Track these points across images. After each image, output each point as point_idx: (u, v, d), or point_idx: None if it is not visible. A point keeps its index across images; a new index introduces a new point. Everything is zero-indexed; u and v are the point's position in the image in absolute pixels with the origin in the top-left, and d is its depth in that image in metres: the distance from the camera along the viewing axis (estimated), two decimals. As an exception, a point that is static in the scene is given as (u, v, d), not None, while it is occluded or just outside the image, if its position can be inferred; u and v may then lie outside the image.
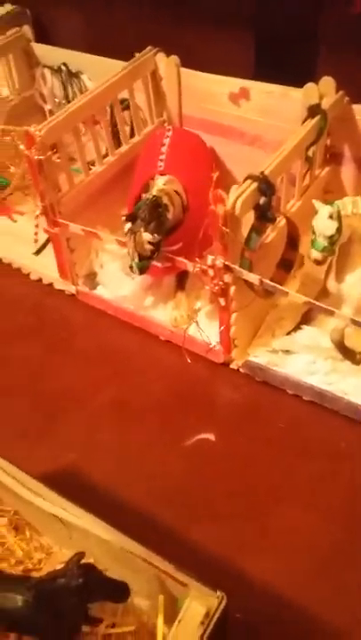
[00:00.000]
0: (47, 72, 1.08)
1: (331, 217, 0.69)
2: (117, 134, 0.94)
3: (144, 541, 0.54)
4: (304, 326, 0.80)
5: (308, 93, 0.80)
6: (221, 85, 0.90)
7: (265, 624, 0.60)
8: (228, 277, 0.72)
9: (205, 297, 0.86)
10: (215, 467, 0.73)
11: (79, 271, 0.93)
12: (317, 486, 0.70)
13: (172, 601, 0.54)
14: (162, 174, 0.80)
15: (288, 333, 0.81)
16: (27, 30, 1.08)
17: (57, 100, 1.09)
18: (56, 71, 1.07)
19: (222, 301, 0.75)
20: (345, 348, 0.77)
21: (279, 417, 0.77)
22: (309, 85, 0.80)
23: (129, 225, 0.74)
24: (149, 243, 0.73)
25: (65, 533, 0.61)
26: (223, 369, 0.82)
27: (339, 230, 0.70)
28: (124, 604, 0.57)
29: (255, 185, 0.69)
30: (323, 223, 0.70)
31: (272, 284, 0.71)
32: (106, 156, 0.93)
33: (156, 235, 0.73)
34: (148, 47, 0.93)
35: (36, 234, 0.93)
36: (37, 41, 1.09)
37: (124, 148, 0.94)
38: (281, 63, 0.93)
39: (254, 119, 0.89)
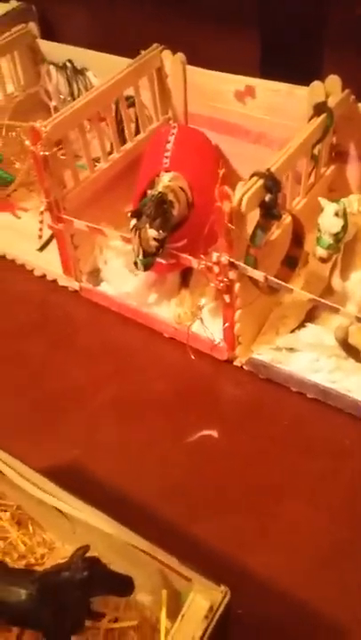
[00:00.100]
0: (52, 69, 1.08)
1: (337, 214, 0.69)
2: (122, 131, 0.94)
3: (146, 537, 0.54)
4: (308, 324, 0.80)
5: (315, 91, 0.80)
6: (227, 83, 0.90)
7: (266, 621, 0.60)
8: (232, 274, 0.72)
9: (209, 294, 0.86)
10: (218, 463, 0.73)
11: (83, 267, 0.93)
12: (321, 484, 0.70)
13: (175, 595, 0.54)
14: (167, 171, 0.80)
15: (292, 331, 0.81)
16: (32, 27, 1.08)
17: (62, 96, 1.10)
18: (61, 68, 1.07)
19: (227, 298, 0.75)
20: (349, 346, 0.76)
21: (283, 414, 0.77)
22: (316, 83, 0.80)
23: (134, 221, 0.74)
24: (154, 239, 0.73)
25: (68, 528, 0.61)
26: (227, 366, 0.82)
27: (344, 228, 0.70)
28: (127, 598, 0.57)
29: (261, 182, 0.69)
30: (328, 221, 0.70)
31: (277, 281, 0.71)
32: (111, 152, 0.93)
33: (161, 231, 0.73)
34: (154, 44, 0.93)
35: (40, 230, 0.93)
36: (43, 37, 1.09)
37: (129, 145, 0.94)
38: (286, 61, 0.93)
39: (260, 117, 0.89)
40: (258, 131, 0.89)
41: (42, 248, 0.97)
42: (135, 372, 0.84)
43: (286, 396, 0.78)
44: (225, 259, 0.71)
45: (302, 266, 0.81)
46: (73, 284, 0.94)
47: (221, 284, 0.74)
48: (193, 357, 0.82)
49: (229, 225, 0.68)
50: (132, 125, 0.95)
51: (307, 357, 0.78)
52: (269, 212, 0.70)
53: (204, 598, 0.49)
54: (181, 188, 0.78)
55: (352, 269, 0.75)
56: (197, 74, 0.92)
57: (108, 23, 1.09)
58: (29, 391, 0.83)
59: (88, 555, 0.52)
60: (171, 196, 0.75)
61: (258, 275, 0.71)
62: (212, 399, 0.80)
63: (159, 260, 0.78)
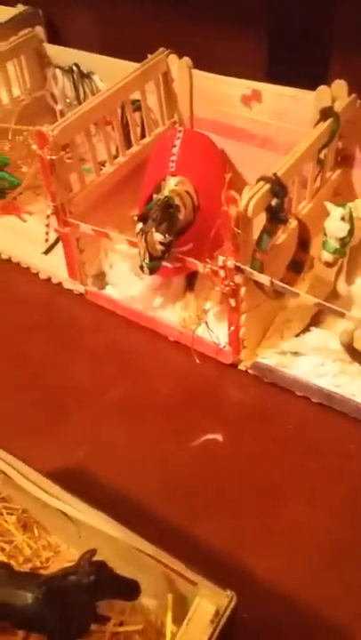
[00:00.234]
0: (59, 72, 1.08)
1: (343, 219, 0.69)
2: (128, 135, 0.94)
3: (149, 539, 0.54)
4: (313, 328, 0.80)
5: (321, 96, 0.81)
6: (233, 87, 0.90)
7: (271, 624, 0.60)
8: (238, 278, 0.73)
9: (214, 298, 0.86)
10: (222, 467, 0.73)
11: (88, 271, 0.93)
12: (325, 487, 0.70)
13: (181, 600, 0.54)
14: (173, 175, 0.80)
15: (297, 335, 0.81)
16: (39, 31, 1.09)
17: (68, 100, 1.10)
18: (67, 72, 1.07)
19: (232, 302, 0.75)
20: (354, 351, 0.76)
21: (287, 418, 0.77)
22: (322, 88, 0.81)
23: (140, 225, 0.75)
24: (160, 243, 0.74)
25: (73, 532, 0.61)
26: (232, 370, 0.82)
27: (350, 232, 0.70)
28: (132, 602, 0.57)
29: (268, 186, 0.69)
30: (335, 225, 0.70)
31: (283, 285, 0.71)
32: (116, 156, 0.93)
33: (167, 235, 0.73)
34: (161, 49, 0.93)
35: (47, 233, 0.93)
36: (49, 41, 1.10)
37: (134, 148, 0.94)
38: (293, 65, 0.93)
39: (265, 121, 0.89)
40: (263, 135, 0.90)
41: (47, 251, 0.97)
42: (140, 374, 0.84)
43: (291, 400, 0.78)
44: (231, 263, 0.71)
45: (308, 270, 0.81)
46: (78, 288, 0.94)
47: (227, 288, 0.74)
48: (198, 361, 0.82)
49: (236, 229, 0.69)
50: (138, 129, 0.96)
51: (311, 361, 0.78)
52: (276, 217, 0.70)
53: (210, 603, 0.49)
54: (187, 192, 0.78)
55: (358, 274, 0.75)
56: (204, 78, 0.93)
57: (114, 27, 1.09)
58: (34, 393, 0.83)
59: (94, 559, 0.52)
60: (177, 200, 0.75)
61: (264, 279, 0.71)
62: (217, 403, 0.80)
63: (165, 263, 0.78)
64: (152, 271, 0.77)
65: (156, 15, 1.02)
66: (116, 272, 0.92)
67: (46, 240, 0.94)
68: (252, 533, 0.67)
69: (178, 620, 0.53)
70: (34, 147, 0.83)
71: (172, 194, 0.75)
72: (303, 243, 0.76)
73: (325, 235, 0.71)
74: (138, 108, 0.94)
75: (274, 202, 0.70)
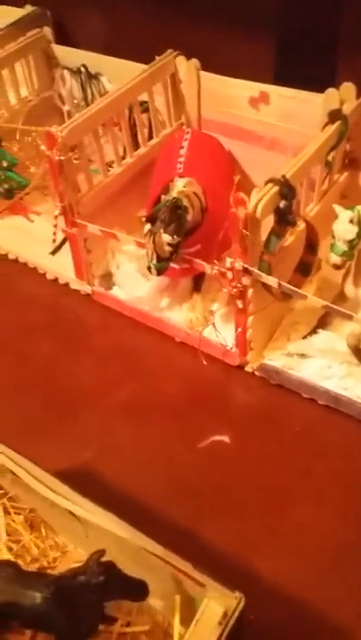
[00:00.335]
0: (66, 73, 1.09)
1: (351, 221, 0.69)
2: (136, 136, 0.94)
3: (156, 541, 0.54)
4: (320, 330, 0.80)
5: (329, 99, 0.81)
6: (241, 89, 0.90)
7: (278, 626, 0.60)
8: (246, 280, 0.73)
9: (221, 299, 0.87)
10: (229, 468, 0.73)
11: (95, 271, 0.94)
12: (331, 489, 0.70)
13: (188, 601, 0.54)
14: (181, 176, 0.80)
15: (304, 337, 0.81)
16: (47, 32, 1.09)
17: (75, 101, 1.10)
18: (75, 72, 1.08)
19: (240, 304, 0.75)
20: (361, 353, 0.77)
21: (294, 420, 0.77)
22: (330, 91, 0.81)
23: (148, 226, 0.75)
24: (168, 244, 0.74)
25: (80, 532, 0.61)
26: (238, 371, 0.82)
27: (359, 235, 0.70)
28: (140, 603, 0.57)
29: (276, 188, 0.69)
30: (343, 227, 0.70)
31: (290, 287, 0.71)
32: (124, 157, 0.93)
33: (175, 236, 0.73)
34: (169, 50, 0.94)
35: (54, 234, 0.93)
36: (57, 42, 1.10)
37: (142, 150, 0.95)
38: (301, 68, 0.93)
39: (273, 123, 0.89)
40: (271, 137, 0.90)
41: (54, 252, 0.98)
42: (146, 375, 0.84)
43: (297, 403, 0.78)
44: (239, 264, 0.71)
45: (315, 272, 0.81)
46: (85, 288, 0.94)
47: (235, 290, 0.74)
48: (205, 362, 0.82)
49: (244, 231, 0.69)
50: (146, 131, 0.96)
51: (318, 364, 0.78)
52: (284, 219, 0.70)
53: (218, 604, 0.49)
54: (195, 194, 0.78)
55: (365, 276, 0.75)
56: (211, 80, 0.93)
57: (122, 28, 1.09)
58: (41, 393, 0.83)
59: (103, 559, 0.52)
60: (185, 202, 0.75)
61: (271, 281, 0.71)
62: (223, 404, 0.80)
63: (172, 264, 0.78)
64: (160, 272, 0.77)
65: (164, 17, 1.03)
66: (123, 273, 0.93)
67: (54, 240, 0.95)
68: (257, 535, 0.67)
69: (185, 622, 0.53)
70: (42, 147, 0.83)
71: (181, 195, 0.75)
72: (311, 245, 0.76)
73: (333, 237, 0.71)
74: (146, 110, 0.94)
75: (282, 204, 0.70)
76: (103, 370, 0.85)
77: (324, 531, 0.66)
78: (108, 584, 0.50)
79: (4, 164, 0.99)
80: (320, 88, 0.83)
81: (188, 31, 0.99)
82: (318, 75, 0.88)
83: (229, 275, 0.73)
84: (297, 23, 0.93)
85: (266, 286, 0.73)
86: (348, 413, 0.76)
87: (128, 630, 0.58)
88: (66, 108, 1.11)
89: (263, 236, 0.72)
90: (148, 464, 0.74)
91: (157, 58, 0.93)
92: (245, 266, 0.71)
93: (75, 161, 0.85)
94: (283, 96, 0.87)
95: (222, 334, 0.81)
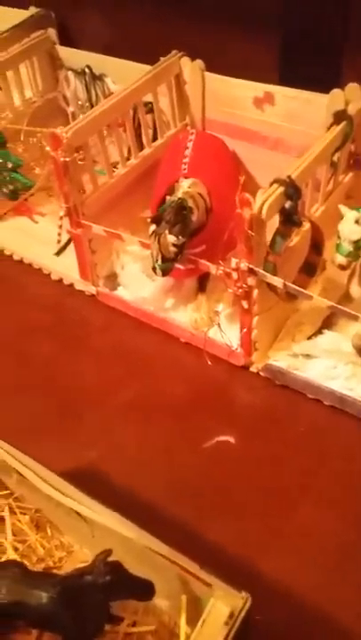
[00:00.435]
0: (71, 75, 1.09)
1: (357, 222, 0.69)
2: (140, 137, 0.94)
3: (161, 541, 0.54)
4: (325, 331, 0.80)
5: (334, 99, 0.81)
6: (246, 90, 0.90)
7: (284, 626, 0.60)
8: (251, 280, 0.73)
9: (226, 300, 0.87)
10: (233, 469, 0.73)
11: (100, 272, 0.94)
12: (335, 490, 0.70)
13: (194, 601, 0.54)
14: (186, 177, 0.80)
15: (309, 338, 0.81)
16: (51, 33, 1.09)
17: (80, 102, 1.10)
18: (80, 74, 1.08)
19: (245, 304, 0.75)
20: (366, 354, 0.77)
21: (299, 421, 0.77)
22: (336, 91, 0.81)
23: (153, 227, 0.75)
24: (173, 245, 0.74)
25: (86, 532, 0.61)
26: (243, 372, 0.82)
27: (364, 235, 0.70)
28: (146, 603, 0.57)
29: (282, 189, 0.69)
30: (349, 228, 0.70)
31: (296, 287, 0.71)
32: (128, 158, 0.93)
33: (180, 237, 0.74)
34: (173, 51, 0.94)
35: (59, 234, 0.94)
36: (62, 44, 1.10)
37: (146, 150, 0.95)
38: (306, 68, 0.93)
39: (277, 124, 0.89)
40: (276, 137, 0.90)
41: (59, 252, 0.98)
42: (151, 376, 0.84)
43: (302, 403, 0.78)
44: (244, 265, 0.71)
45: (320, 273, 0.81)
46: (90, 289, 0.95)
47: (240, 290, 0.74)
48: (209, 363, 0.82)
49: (249, 231, 0.69)
50: (150, 131, 0.96)
51: (323, 364, 0.78)
52: (289, 219, 0.70)
53: (224, 604, 0.49)
54: (200, 195, 0.78)
55: (371, 277, 0.75)
56: (216, 80, 0.93)
57: (126, 30, 1.09)
58: (46, 394, 0.83)
59: (109, 559, 0.52)
60: (190, 202, 0.75)
61: (277, 281, 0.71)
62: (228, 405, 0.80)
63: (177, 265, 0.78)
64: (165, 273, 0.77)
65: (168, 18, 1.03)
66: (127, 273, 0.93)
67: (58, 241, 0.95)
68: (261, 535, 0.67)
69: (191, 622, 0.53)
70: (47, 148, 0.83)
71: (186, 196, 0.75)
72: (316, 245, 0.76)
73: (339, 237, 0.71)
74: (150, 111, 0.95)
75: (288, 204, 0.70)
76: (108, 370, 0.85)
77: (328, 531, 0.66)
78: (114, 584, 0.50)
79: (9, 165, 0.99)
80: (325, 89, 0.83)
81: (192, 32, 0.99)
82: (323, 75, 0.88)
83: (235, 275, 0.73)
84: (301, 23, 0.93)
85: (271, 287, 0.73)
86: (354, 414, 0.75)
87: (134, 630, 0.58)
88: (70, 109, 1.12)
89: (268, 237, 0.72)
90: (153, 464, 0.74)
91: (162, 59, 0.93)
92: (251, 266, 0.71)
93: (79, 162, 0.85)
94: (288, 96, 0.87)
95: (227, 335, 0.81)
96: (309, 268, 0.77)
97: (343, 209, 0.71)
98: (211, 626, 0.48)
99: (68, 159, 0.81)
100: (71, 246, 0.94)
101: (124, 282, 0.93)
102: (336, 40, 0.90)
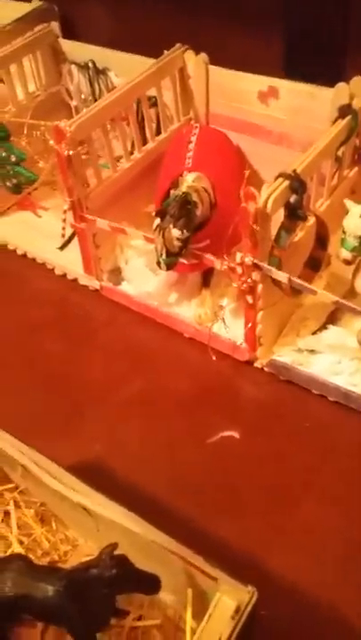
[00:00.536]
0: (74, 68, 1.08)
1: (362, 216, 0.69)
2: (144, 131, 0.94)
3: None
4: (330, 326, 0.80)
5: (339, 93, 0.80)
6: (250, 84, 0.90)
7: (290, 621, 0.60)
8: (256, 275, 0.73)
9: (230, 295, 0.86)
10: (237, 464, 0.73)
11: (104, 267, 0.94)
12: (342, 485, 0.70)
13: (200, 595, 0.54)
14: (190, 171, 0.80)
15: (314, 333, 0.80)
16: (54, 26, 1.09)
17: (83, 96, 1.10)
18: (83, 67, 1.07)
19: (249, 299, 0.75)
20: (371, 349, 0.76)
21: (304, 416, 0.77)
22: (341, 85, 0.80)
23: (158, 221, 0.75)
24: (178, 239, 0.74)
25: (91, 526, 0.61)
26: (247, 367, 0.82)
27: (370, 230, 0.70)
28: (151, 597, 0.57)
29: (287, 183, 0.69)
30: (354, 222, 0.70)
31: (301, 282, 0.71)
32: (132, 152, 0.93)
33: (184, 231, 0.73)
34: (177, 45, 0.93)
35: (63, 229, 0.93)
36: (65, 37, 1.09)
37: (150, 145, 0.94)
38: (310, 62, 0.93)
39: (282, 118, 0.89)
40: (280, 132, 0.89)
41: (62, 247, 0.98)
42: (155, 371, 0.84)
43: (307, 399, 0.78)
44: (249, 259, 0.71)
45: (325, 268, 0.81)
46: (93, 283, 0.94)
47: (244, 285, 0.74)
48: (214, 358, 0.82)
49: (254, 226, 0.68)
50: (154, 125, 0.95)
51: (328, 360, 0.78)
52: (294, 213, 0.70)
53: (230, 598, 0.49)
54: (205, 189, 0.78)
55: (376, 272, 0.75)
56: (220, 74, 0.92)
57: (129, 23, 1.09)
58: (50, 389, 0.83)
59: (115, 552, 0.52)
60: (194, 197, 0.75)
61: (282, 276, 0.71)
62: (233, 400, 0.80)
63: (181, 260, 0.78)
64: (169, 267, 0.77)
65: (172, 11, 1.02)
66: (131, 268, 0.93)
67: (63, 235, 0.95)
68: (265, 531, 0.67)
69: (196, 616, 0.53)
70: (51, 142, 0.83)
71: (190, 190, 0.75)
72: (321, 240, 0.76)
73: (344, 232, 0.71)
74: (154, 104, 0.94)
75: (293, 198, 0.70)
76: (112, 365, 0.85)
77: (333, 527, 0.66)
78: (120, 577, 0.50)
79: (13, 158, 0.99)
80: (330, 83, 0.83)
81: (196, 25, 0.98)
82: (328, 69, 0.87)
83: (239, 270, 0.73)
84: (307, 17, 0.92)
85: (276, 281, 0.73)
86: (359, 410, 0.75)
87: (140, 624, 0.58)
88: (73, 103, 1.11)
89: (273, 232, 0.72)
90: (157, 459, 0.74)
91: (166, 52, 0.92)
92: (255, 261, 0.71)
93: (83, 156, 0.85)
94: (292, 91, 0.87)
95: (231, 330, 0.81)
96: (314, 263, 0.76)
97: (349, 203, 0.71)
98: (217, 620, 0.49)
99: (71, 152, 0.81)
100: (75, 241, 0.94)
101: (128, 276, 0.93)
102: (342, 34, 0.89)
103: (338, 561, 0.64)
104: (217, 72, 0.93)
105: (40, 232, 1.02)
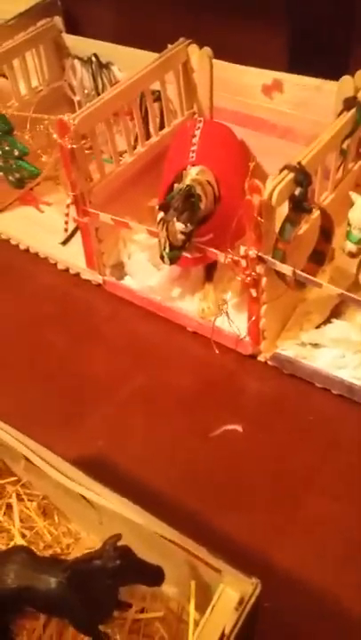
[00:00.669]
0: (77, 63, 1.08)
1: (367, 209, 0.69)
2: (147, 125, 0.94)
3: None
4: (334, 320, 0.80)
5: (344, 86, 0.80)
6: (254, 77, 0.90)
7: (293, 614, 0.60)
8: (260, 268, 0.72)
9: (233, 289, 0.86)
10: (242, 457, 0.73)
11: (107, 261, 0.93)
12: (346, 478, 0.70)
13: (203, 587, 0.54)
14: (193, 165, 0.80)
15: (318, 327, 0.80)
16: (57, 21, 1.08)
17: (86, 91, 1.10)
18: (86, 62, 1.07)
19: (253, 292, 0.75)
20: (375, 343, 0.76)
21: (307, 410, 0.76)
22: (346, 78, 0.80)
23: (161, 214, 0.74)
24: (181, 232, 0.73)
25: (94, 518, 0.61)
26: (251, 361, 0.82)
27: (375, 223, 0.70)
28: (153, 589, 0.57)
29: (292, 175, 0.68)
30: (359, 215, 0.69)
31: (305, 275, 0.71)
32: (135, 147, 0.93)
33: (188, 224, 0.73)
34: (181, 38, 0.93)
35: (66, 223, 0.93)
36: (68, 32, 1.09)
37: (153, 139, 0.94)
38: (315, 55, 0.92)
39: (286, 112, 0.89)
40: (284, 125, 0.89)
41: (65, 242, 0.98)
42: (158, 365, 0.84)
43: (311, 392, 0.78)
44: (253, 252, 0.71)
45: (329, 262, 0.81)
46: (96, 278, 0.94)
47: (248, 279, 0.73)
48: (217, 352, 0.82)
49: (259, 218, 0.68)
50: (157, 120, 0.95)
51: (332, 353, 0.78)
52: (299, 206, 0.70)
53: (234, 590, 0.49)
54: (209, 182, 0.77)
55: (380, 265, 0.74)
56: (224, 68, 0.92)
57: (133, 17, 1.08)
58: (52, 383, 0.83)
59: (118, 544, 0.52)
60: (198, 190, 0.75)
61: (286, 269, 0.71)
62: (236, 393, 0.80)
63: (185, 254, 0.77)
64: (172, 261, 0.76)
65: (175, 5, 1.02)
66: (134, 262, 0.92)
67: (65, 230, 0.94)
68: (269, 525, 0.67)
69: (199, 608, 0.52)
70: (54, 136, 0.83)
71: (194, 183, 0.75)
72: (325, 233, 0.75)
73: (349, 225, 0.71)
74: (157, 99, 0.94)
75: (297, 191, 0.69)
76: (115, 359, 0.85)
77: (337, 521, 0.66)
78: (124, 568, 0.49)
79: (16, 152, 0.98)
80: (335, 76, 0.82)
81: (200, 19, 0.98)
82: (333, 62, 0.87)
83: (243, 263, 0.73)
84: (311, 10, 0.92)
85: (280, 275, 0.73)
86: (362, 403, 0.75)
87: (142, 617, 0.58)
88: (76, 98, 1.11)
89: (278, 224, 0.72)
90: (160, 453, 0.74)
91: (169, 46, 0.92)
92: (260, 254, 0.71)
93: (86, 151, 0.84)
94: (297, 84, 0.86)
95: (235, 324, 0.80)
96: (318, 256, 0.76)
97: (354, 196, 0.70)
98: (220, 611, 0.48)
99: (75, 146, 0.80)
100: (77, 236, 0.94)
101: (131, 271, 0.92)
102: (346, 27, 0.89)
103: (342, 554, 0.64)
104: (221, 66, 0.92)
105: (43, 227, 1.02)
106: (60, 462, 0.59)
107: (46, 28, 1.08)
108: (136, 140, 0.93)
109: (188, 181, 0.75)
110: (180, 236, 0.74)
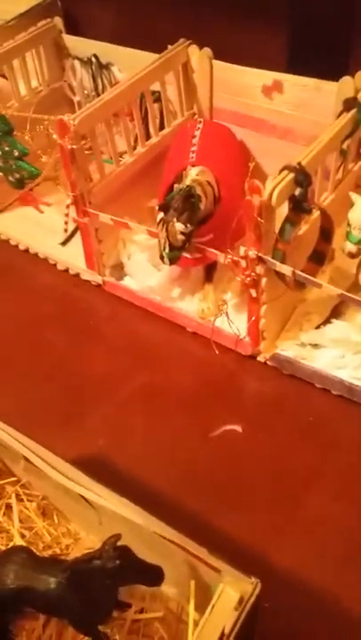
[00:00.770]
0: (77, 64, 1.08)
1: (367, 209, 0.69)
2: (147, 126, 0.94)
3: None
4: (334, 320, 0.80)
5: (344, 87, 0.80)
6: (254, 78, 0.90)
7: (293, 614, 0.60)
8: (260, 269, 0.72)
9: (233, 289, 0.86)
10: (242, 457, 0.73)
11: (106, 262, 0.93)
12: (345, 478, 0.70)
13: (203, 587, 0.54)
14: (193, 166, 0.80)
15: (317, 327, 0.80)
16: (57, 22, 1.08)
17: (86, 91, 1.10)
18: (86, 63, 1.07)
19: (253, 293, 0.75)
20: (375, 343, 0.76)
21: (307, 410, 0.76)
22: (346, 79, 0.80)
23: (161, 215, 0.74)
24: (181, 233, 0.73)
25: (93, 519, 0.61)
26: (250, 361, 0.82)
27: (375, 223, 0.70)
28: (153, 589, 0.57)
29: (292, 176, 0.68)
30: (358, 216, 0.69)
31: (305, 275, 0.71)
32: (135, 147, 0.93)
33: (188, 225, 0.73)
34: (181, 39, 0.93)
35: (66, 223, 0.93)
36: (68, 32, 1.09)
37: (153, 139, 0.94)
38: (315, 56, 0.92)
39: (286, 112, 0.89)
40: (284, 126, 0.89)
41: (65, 242, 0.98)
42: (158, 365, 0.84)
43: (310, 393, 0.78)
44: (253, 253, 0.71)
45: (328, 262, 0.81)
46: (96, 278, 0.94)
47: (248, 279, 0.73)
48: (217, 352, 0.82)
49: (259, 219, 0.68)
50: (157, 120, 0.95)
51: (331, 354, 0.78)
52: (299, 206, 0.70)
53: (233, 589, 0.49)
54: (209, 183, 0.78)
55: (380, 266, 0.74)
56: (224, 69, 0.92)
57: (133, 18, 1.08)
58: (53, 383, 0.83)
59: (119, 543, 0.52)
60: (198, 190, 0.75)
61: (286, 269, 0.71)
62: (236, 394, 0.80)
63: (184, 254, 0.78)
64: (172, 261, 0.76)
65: (176, 6, 1.02)
66: (134, 263, 0.92)
67: (65, 230, 0.94)
68: (269, 525, 0.67)
69: (199, 608, 0.52)
70: (54, 136, 0.83)
71: (194, 183, 0.75)
72: (325, 233, 0.75)
73: (349, 225, 0.71)
74: (157, 99, 0.94)
75: (297, 191, 0.69)
76: (115, 360, 0.85)
77: (337, 521, 0.66)
78: (123, 568, 0.49)
79: (16, 153, 0.98)
80: (335, 76, 0.82)
81: (200, 19, 0.98)
82: (333, 63, 0.87)
83: (243, 263, 0.73)
84: (311, 11, 0.92)
85: (280, 275, 0.73)
86: (362, 403, 0.75)
87: (142, 617, 0.58)
88: (76, 98, 1.11)
89: (277, 225, 0.72)
90: (160, 453, 0.74)
91: (169, 47, 0.92)
92: (259, 254, 0.71)
93: (86, 152, 0.84)
94: (296, 84, 0.86)
95: (234, 324, 0.80)
96: (318, 257, 0.76)
97: (354, 196, 0.71)
98: (220, 611, 0.48)
99: (75, 146, 0.80)
100: (77, 236, 0.94)
101: (131, 271, 0.92)
102: (346, 27, 0.89)
103: (342, 554, 0.64)
104: (221, 66, 0.92)
105: (42, 227, 1.02)
106: (59, 462, 0.59)
107: (46, 29, 1.08)
108: (136, 140, 0.93)
109: (188, 182, 0.75)
110: (180, 237, 0.74)
